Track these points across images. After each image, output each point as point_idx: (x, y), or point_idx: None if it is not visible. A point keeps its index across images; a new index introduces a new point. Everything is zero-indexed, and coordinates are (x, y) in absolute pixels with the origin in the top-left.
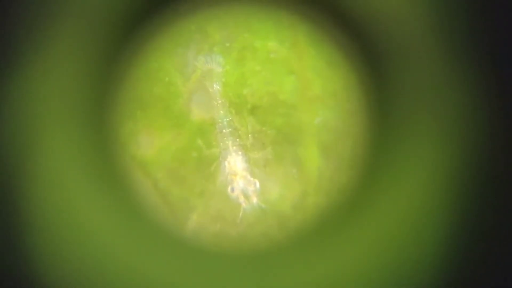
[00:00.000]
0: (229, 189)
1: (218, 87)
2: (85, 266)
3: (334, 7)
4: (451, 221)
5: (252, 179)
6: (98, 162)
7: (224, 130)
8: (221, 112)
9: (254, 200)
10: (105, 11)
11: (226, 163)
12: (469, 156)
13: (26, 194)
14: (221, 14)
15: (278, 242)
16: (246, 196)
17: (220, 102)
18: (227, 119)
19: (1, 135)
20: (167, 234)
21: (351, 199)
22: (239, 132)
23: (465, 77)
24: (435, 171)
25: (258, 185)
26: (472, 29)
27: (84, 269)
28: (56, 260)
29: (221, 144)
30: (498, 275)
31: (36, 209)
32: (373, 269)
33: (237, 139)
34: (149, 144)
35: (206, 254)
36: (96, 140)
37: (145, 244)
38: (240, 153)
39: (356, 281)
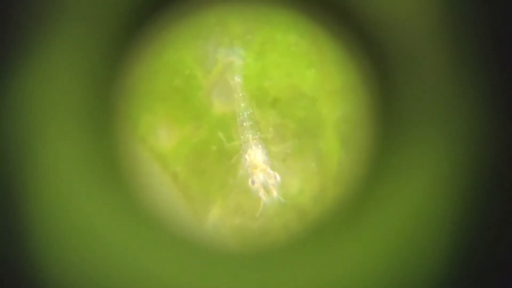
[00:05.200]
0: (249, 182)
1: (239, 80)
2: (89, 266)
3: (344, 10)
4: (457, 223)
5: (272, 172)
6: (103, 162)
7: (244, 123)
8: (242, 105)
9: (274, 193)
10: (122, 2)
11: (246, 156)
12: (474, 160)
13: (30, 194)
14: (242, 7)
15: (295, 238)
16: (266, 190)
17: (241, 95)
18: (248, 112)
19: (4, 135)
20: (172, 234)
21: (369, 192)
22: (260, 125)
23: (471, 84)
24: (440, 174)
25: (278, 178)
26: (480, 36)
27: (88, 269)
28: (60, 261)
29: (241, 137)
30: (501, 279)
31: (40, 210)
32: (381, 268)
33: (258, 132)
34: (169, 137)
35: (213, 255)
36: (101, 140)
37: (150, 244)
38: (260, 146)
39: (365, 280)
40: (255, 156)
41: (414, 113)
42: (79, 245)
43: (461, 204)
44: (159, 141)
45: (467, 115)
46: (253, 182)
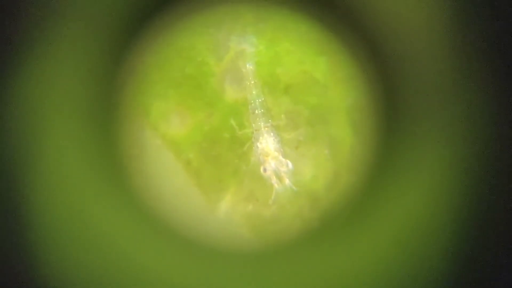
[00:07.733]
0: (261, 169)
1: (251, 67)
2: (92, 266)
3: (349, 11)
4: (460, 223)
5: (284, 160)
6: (106, 160)
7: (256, 111)
8: (254, 92)
9: (286, 181)
10: None
11: (258, 143)
12: (477, 160)
13: (34, 193)
14: None
15: (308, 226)
16: (278, 177)
17: (253, 82)
18: (260, 100)
19: (7, 132)
20: (175, 232)
21: (381, 181)
22: (272, 112)
23: (475, 86)
24: (442, 174)
25: (290, 165)
26: (485, 38)
27: (90, 269)
28: (62, 261)
29: (253, 124)
30: (502, 281)
31: (42, 210)
32: (387, 259)
33: (270, 120)
34: (181, 124)
35: (217, 254)
36: (103, 138)
37: (153, 243)
38: (272, 133)
39: (372, 271)
40: (267, 143)
41: (418, 111)
42: (85, 242)
43: (464, 203)
44: (172, 128)
45: (471, 114)
46: (265, 170)
